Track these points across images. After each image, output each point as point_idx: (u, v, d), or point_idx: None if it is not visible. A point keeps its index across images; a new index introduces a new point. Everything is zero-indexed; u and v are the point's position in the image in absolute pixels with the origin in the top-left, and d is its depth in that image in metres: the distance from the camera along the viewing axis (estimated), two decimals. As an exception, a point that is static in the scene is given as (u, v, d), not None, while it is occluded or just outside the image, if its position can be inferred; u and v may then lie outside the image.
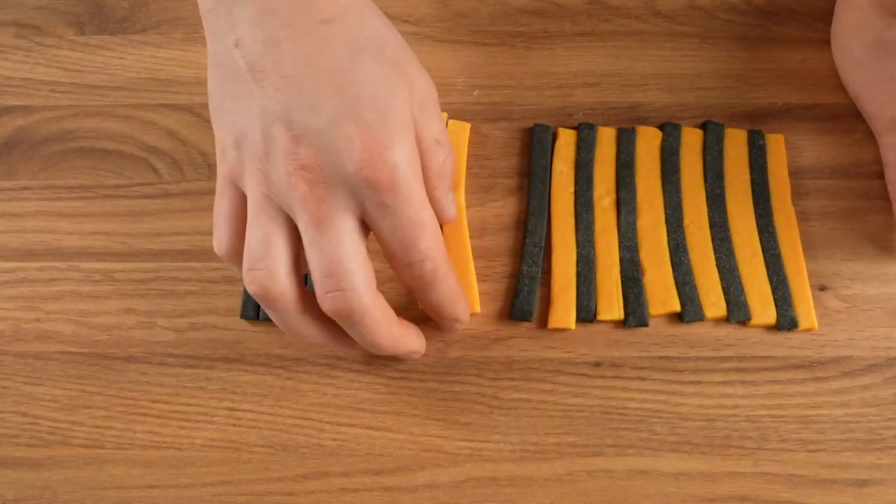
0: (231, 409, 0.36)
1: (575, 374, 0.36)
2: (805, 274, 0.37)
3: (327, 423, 0.35)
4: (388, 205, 0.29)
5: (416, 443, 0.35)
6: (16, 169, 0.40)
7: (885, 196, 0.39)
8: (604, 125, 0.40)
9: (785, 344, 0.36)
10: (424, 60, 0.42)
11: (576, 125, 0.40)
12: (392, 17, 0.43)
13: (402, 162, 0.29)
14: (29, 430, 0.35)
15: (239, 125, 0.30)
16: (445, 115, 0.40)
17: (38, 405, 0.36)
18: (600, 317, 0.36)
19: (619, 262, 0.37)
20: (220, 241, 0.31)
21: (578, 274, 0.37)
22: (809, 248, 0.38)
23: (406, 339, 0.33)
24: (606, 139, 0.40)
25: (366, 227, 0.30)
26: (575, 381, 0.36)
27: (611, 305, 0.37)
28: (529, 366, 0.36)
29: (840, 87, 0.41)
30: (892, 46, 0.37)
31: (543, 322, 0.37)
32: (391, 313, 0.31)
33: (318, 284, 0.29)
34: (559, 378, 0.36)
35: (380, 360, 0.36)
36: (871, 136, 0.40)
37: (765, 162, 0.39)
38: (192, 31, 0.43)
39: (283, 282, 0.30)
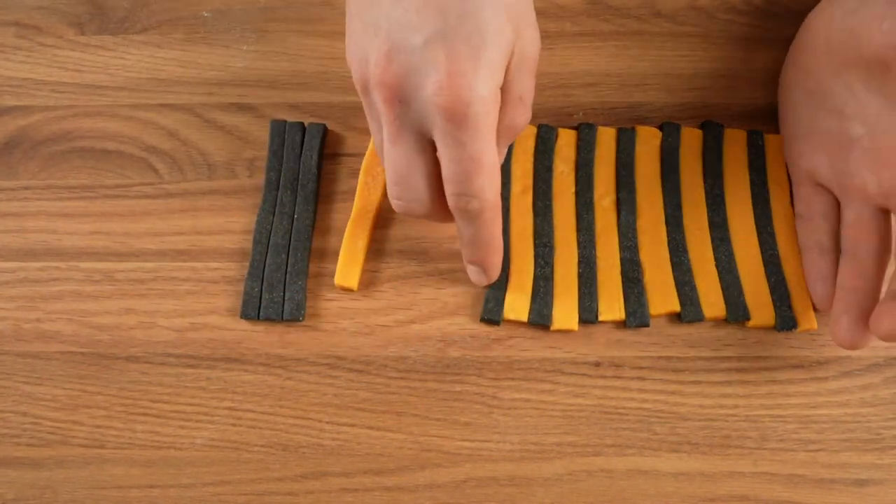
0: (231, 409, 0.36)
1: (575, 374, 0.36)
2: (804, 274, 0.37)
3: (327, 423, 0.35)
4: (454, 136, 0.30)
5: (416, 443, 0.35)
6: (16, 169, 0.40)
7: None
8: (604, 125, 0.40)
9: (785, 344, 0.36)
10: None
11: (576, 125, 0.40)
12: (392, 17, 0.43)
13: (480, 101, 0.30)
14: (29, 429, 0.36)
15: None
16: None
17: (38, 405, 0.36)
18: (602, 317, 0.36)
19: (619, 263, 0.37)
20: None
21: (580, 275, 0.37)
22: (809, 248, 0.38)
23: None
24: (606, 139, 0.40)
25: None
26: (575, 381, 0.36)
27: (612, 306, 0.37)
28: (529, 366, 0.36)
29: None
30: (828, 98, 0.36)
31: (543, 322, 0.37)
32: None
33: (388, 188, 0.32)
34: (559, 378, 0.36)
35: (380, 360, 0.36)
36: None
37: (764, 162, 0.39)
38: (192, 31, 0.43)
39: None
